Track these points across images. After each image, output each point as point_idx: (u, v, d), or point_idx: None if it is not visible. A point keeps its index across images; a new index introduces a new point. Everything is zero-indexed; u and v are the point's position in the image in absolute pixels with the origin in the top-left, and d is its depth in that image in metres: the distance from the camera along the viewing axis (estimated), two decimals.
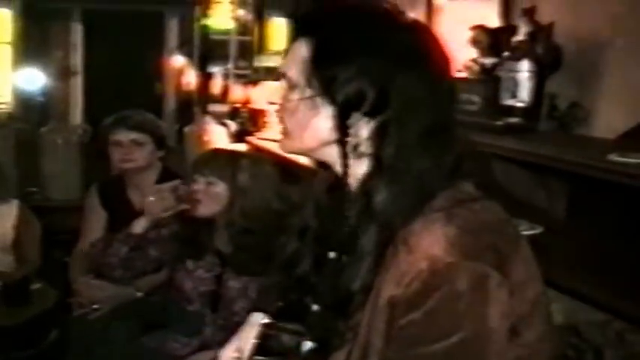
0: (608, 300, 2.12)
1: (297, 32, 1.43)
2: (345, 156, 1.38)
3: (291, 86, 1.40)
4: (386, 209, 1.32)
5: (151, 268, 3.12)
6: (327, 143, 1.40)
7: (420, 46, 1.36)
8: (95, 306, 3.40)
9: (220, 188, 2.85)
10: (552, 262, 2.25)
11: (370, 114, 1.34)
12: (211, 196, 2.85)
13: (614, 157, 2.01)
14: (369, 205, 1.34)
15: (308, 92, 1.37)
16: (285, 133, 1.45)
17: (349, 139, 1.36)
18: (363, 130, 1.35)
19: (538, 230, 2.60)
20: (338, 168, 1.42)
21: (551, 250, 2.43)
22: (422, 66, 1.34)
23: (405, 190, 1.31)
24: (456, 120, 1.43)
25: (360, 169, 1.38)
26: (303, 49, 1.38)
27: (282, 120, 1.45)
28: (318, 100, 1.37)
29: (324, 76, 1.35)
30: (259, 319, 1.64)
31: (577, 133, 2.61)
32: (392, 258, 1.29)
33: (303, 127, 1.40)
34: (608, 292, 2.11)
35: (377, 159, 1.35)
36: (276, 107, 1.47)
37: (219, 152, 3.11)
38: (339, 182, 1.44)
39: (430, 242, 1.25)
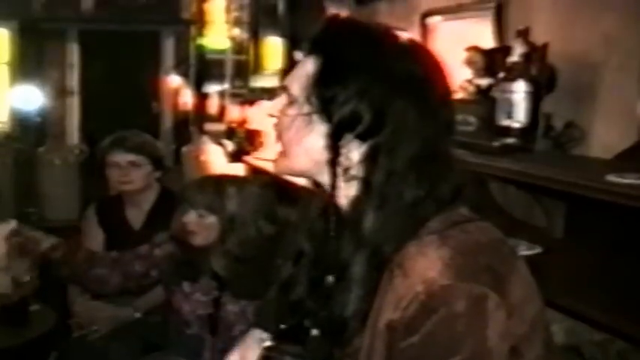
0: (608, 320, 2.12)
1: (307, 49, 1.44)
2: (334, 177, 1.38)
3: (291, 101, 1.41)
4: (375, 235, 1.32)
5: (136, 284, 3.12)
6: (318, 162, 1.40)
7: (420, 73, 1.37)
8: (94, 327, 3.41)
9: (212, 219, 2.84)
10: (551, 282, 2.27)
11: (362, 137, 1.34)
12: (205, 227, 2.84)
13: (612, 178, 2.01)
14: (359, 230, 1.34)
15: (306, 108, 1.39)
16: (280, 150, 1.46)
17: (341, 160, 1.36)
18: (354, 153, 1.36)
19: (537, 250, 2.59)
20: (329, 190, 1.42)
21: (550, 270, 2.43)
22: (420, 93, 1.35)
23: (395, 217, 1.31)
24: (453, 148, 1.43)
25: (350, 192, 1.38)
26: (309, 66, 1.40)
27: (277, 134, 1.46)
28: (315, 117, 1.38)
29: (324, 95, 1.36)
30: (258, 335, 1.68)
31: (573, 153, 2.61)
32: (388, 282, 1.29)
33: (296, 143, 1.41)
34: (608, 312, 2.11)
35: (366, 183, 1.35)
36: (273, 120, 1.47)
37: (205, 182, 3.06)
38: (332, 205, 1.44)
39: (425, 265, 1.25)
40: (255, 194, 2.92)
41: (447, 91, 1.42)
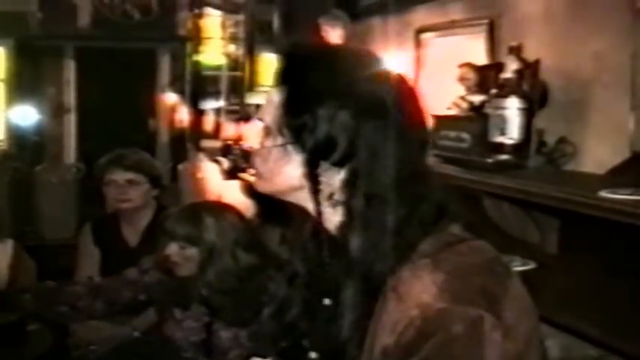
0: (602, 336, 2.12)
1: (274, 80, 1.45)
2: (317, 203, 1.39)
3: (266, 133, 1.41)
4: (363, 259, 1.31)
5: (123, 309, 3.13)
6: (300, 190, 1.40)
7: (389, 97, 1.36)
8: (93, 347, 3.41)
9: (193, 251, 2.84)
10: (545, 298, 2.27)
11: (339, 163, 1.34)
12: (186, 258, 2.85)
13: (604, 194, 2.01)
14: (347, 255, 1.33)
15: (279, 139, 1.38)
16: (259, 176, 1.46)
17: (322, 187, 1.37)
18: (335, 179, 1.36)
19: (531, 266, 2.61)
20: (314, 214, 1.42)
21: (543, 285, 2.44)
22: (390, 115, 1.34)
23: (380, 240, 1.30)
24: (430, 168, 1.44)
25: (337, 217, 1.38)
26: (276, 97, 1.40)
27: (255, 164, 1.46)
28: (290, 147, 1.37)
29: (294, 124, 1.36)
30: None
31: (566, 169, 2.62)
32: (383, 306, 1.28)
33: (275, 173, 1.41)
34: (602, 328, 2.11)
35: (348, 209, 1.35)
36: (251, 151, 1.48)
37: (183, 212, 3.03)
38: (320, 230, 1.44)
39: (420, 290, 1.24)
40: (234, 224, 2.91)
41: (418, 111, 1.42)
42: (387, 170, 1.32)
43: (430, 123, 2.84)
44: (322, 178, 1.36)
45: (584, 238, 2.58)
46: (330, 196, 1.37)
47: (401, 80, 1.43)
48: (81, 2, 8.09)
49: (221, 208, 3.06)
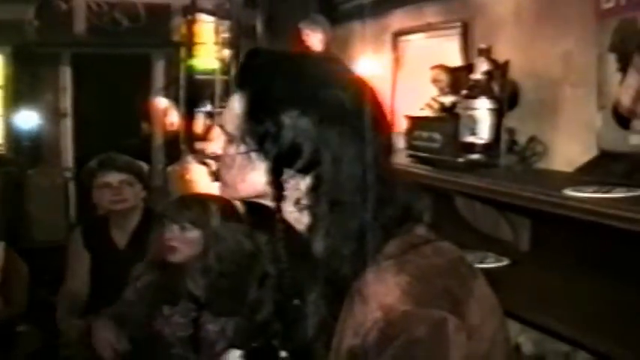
0: (571, 332, 2.15)
1: (236, 86, 1.43)
2: (279, 210, 1.37)
3: (229, 140, 1.39)
4: (327, 262, 1.31)
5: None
6: (264, 195, 1.39)
7: (350, 104, 1.34)
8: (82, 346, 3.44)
9: (194, 234, 2.88)
10: (518, 295, 2.32)
11: (304, 170, 1.33)
12: (186, 242, 2.87)
13: (569, 192, 2.04)
14: (312, 258, 1.33)
15: (243, 147, 1.36)
16: (224, 183, 1.44)
17: (288, 193, 1.35)
18: (301, 184, 1.34)
19: (504, 263, 2.65)
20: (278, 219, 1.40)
21: (516, 282, 2.48)
22: (353, 120, 1.33)
23: (344, 244, 1.30)
24: (396, 170, 1.43)
25: (305, 220, 1.37)
26: (236, 104, 1.38)
27: (220, 171, 1.44)
28: (253, 155, 1.35)
29: (256, 132, 1.34)
30: (236, 356, 1.66)
31: (537, 168, 2.66)
32: (349, 308, 1.28)
33: (239, 181, 1.39)
34: (571, 324, 2.14)
35: (313, 213, 1.34)
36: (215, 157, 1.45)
37: (189, 199, 3.10)
38: (283, 235, 1.42)
39: (384, 292, 1.24)
40: (236, 212, 2.96)
41: (381, 115, 1.40)
42: (352, 176, 1.31)
43: (404, 124, 2.91)
44: (287, 185, 1.35)
45: (555, 236, 2.63)
46: (297, 201, 1.36)
47: (364, 85, 1.42)
48: (77, 10, 8.13)
49: (221, 198, 3.11)
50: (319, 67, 1.44)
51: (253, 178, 1.38)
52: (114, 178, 3.68)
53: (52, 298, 3.80)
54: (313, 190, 1.33)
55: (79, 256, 3.77)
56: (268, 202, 1.40)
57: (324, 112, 1.32)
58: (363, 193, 1.31)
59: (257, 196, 1.41)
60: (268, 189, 1.37)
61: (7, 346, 3.66)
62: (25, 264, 4.13)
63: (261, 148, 1.34)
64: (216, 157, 1.44)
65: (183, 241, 2.88)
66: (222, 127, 1.42)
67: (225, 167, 1.42)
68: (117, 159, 3.78)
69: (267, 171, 1.35)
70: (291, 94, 1.34)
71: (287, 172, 1.34)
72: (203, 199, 3.03)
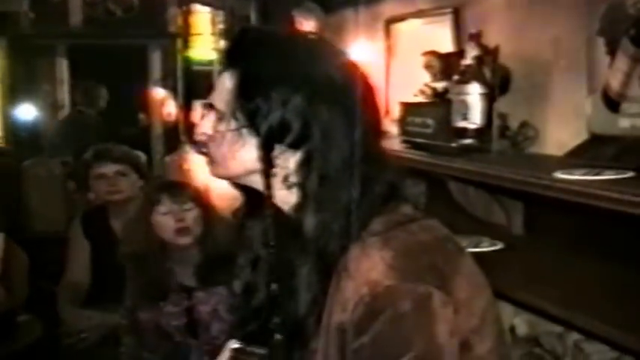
0: (565, 314, 2.17)
1: (224, 64, 1.46)
2: (268, 187, 1.39)
3: (219, 118, 1.41)
4: (317, 238, 1.33)
5: None
6: (253, 172, 1.41)
7: (339, 77, 1.38)
8: (83, 335, 3.48)
9: (196, 213, 2.93)
10: (512, 278, 2.35)
11: (294, 145, 1.36)
12: (193, 221, 2.93)
13: (560, 175, 2.06)
14: (302, 236, 1.35)
15: (233, 124, 1.38)
16: (212, 161, 1.45)
17: (277, 170, 1.37)
18: (290, 161, 1.37)
19: (498, 246, 2.68)
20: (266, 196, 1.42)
21: (510, 265, 2.50)
22: (342, 97, 1.36)
23: (334, 220, 1.32)
24: (383, 150, 1.45)
25: (292, 199, 1.39)
26: (227, 81, 1.40)
27: (208, 149, 1.45)
28: (244, 131, 1.37)
29: (247, 108, 1.36)
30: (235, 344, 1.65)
31: (529, 152, 2.68)
32: (336, 284, 1.31)
33: (229, 158, 1.41)
34: (565, 306, 2.16)
35: (303, 189, 1.36)
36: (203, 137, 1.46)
37: (175, 182, 3.15)
38: (271, 212, 1.44)
39: (369, 267, 1.26)
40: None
41: (370, 94, 1.43)
42: (340, 152, 1.33)
43: (397, 110, 2.93)
44: (277, 161, 1.37)
45: (548, 219, 2.66)
46: (285, 179, 1.38)
47: (353, 65, 1.46)
48: (72, 1, 8.13)
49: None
50: (309, 45, 1.48)
51: (243, 156, 1.39)
52: (109, 169, 3.73)
53: (53, 288, 3.84)
54: (304, 165, 1.36)
55: (79, 246, 3.81)
56: (256, 184, 1.42)
57: (315, 88, 1.36)
58: (351, 169, 1.34)
59: (246, 174, 1.42)
60: (258, 166, 1.39)
61: (8, 336, 3.66)
62: (25, 254, 4.15)
63: (252, 124, 1.37)
64: (206, 138, 1.44)
65: (191, 220, 2.92)
66: (211, 105, 1.43)
67: (215, 145, 1.43)
68: (113, 150, 3.82)
69: (257, 147, 1.37)
70: (282, 72, 1.37)
71: (278, 148, 1.37)
72: (181, 181, 3.10)
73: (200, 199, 2.95)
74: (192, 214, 2.93)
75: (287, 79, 1.36)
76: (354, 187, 1.34)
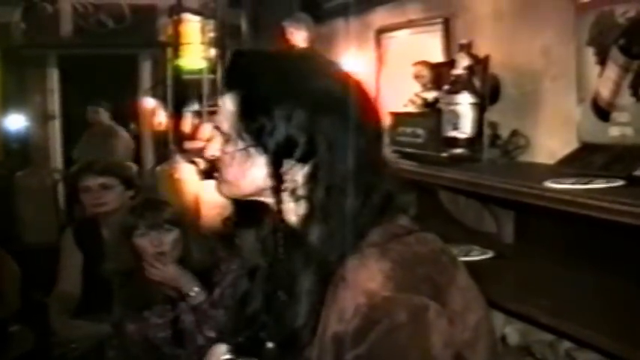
0: (556, 322, 2.17)
1: (223, 87, 1.48)
2: (279, 201, 1.41)
3: (226, 139, 1.42)
4: (321, 248, 1.34)
5: None
6: (264, 189, 1.43)
7: (339, 92, 1.40)
8: (74, 345, 3.47)
9: (175, 235, 2.92)
10: (503, 287, 2.35)
11: (302, 159, 1.37)
12: (171, 244, 2.92)
13: (549, 184, 2.07)
14: (307, 246, 1.36)
15: (240, 144, 1.40)
16: (223, 181, 1.47)
17: (286, 184, 1.39)
18: (298, 175, 1.39)
19: (489, 255, 2.68)
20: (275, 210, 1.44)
21: (500, 274, 2.50)
22: (343, 108, 1.37)
23: (336, 230, 1.34)
24: (383, 159, 1.47)
25: (299, 211, 1.40)
26: (229, 104, 1.42)
27: (220, 170, 1.46)
28: (252, 150, 1.39)
29: (252, 128, 1.38)
30: (222, 350, 1.65)
31: (519, 161, 2.68)
32: (333, 294, 1.31)
33: (240, 177, 1.43)
34: (556, 314, 2.16)
35: (310, 201, 1.38)
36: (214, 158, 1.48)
37: (149, 203, 3.12)
38: (281, 226, 1.47)
39: (366, 278, 1.27)
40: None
41: (369, 103, 1.46)
42: (346, 161, 1.35)
43: (388, 120, 2.94)
44: (286, 176, 1.39)
45: (539, 228, 2.67)
46: (293, 192, 1.39)
47: (348, 76, 1.48)
48: (63, 12, 8.13)
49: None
50: (303, 59, 1.51)
51: (254, 174, 1.41)
52: (93, 182, 3.74)
53: (44, 299, 3.84)
54: (311, 177, 1.38)
55: (72, 256, 3.80)
56: (265, 198, 1.44)
57: (315, 101, 1.38)
58: (355, 179, 1.36)
59: (257, 192, 1.44)
60: (268, 183, 1.40)
61: (0, 347, 3.66)
62: (17, 265, 4.15)
63: (258, 143, 1.39)
64: (215, 159, 1.46)
65: (168, 245, 2.91)
66: (217, 127, 1.46)
67: (225, 166, 1.44)
68: (96, 163, 3.84)
69: (267, 164, 1.39)
70: (281, 89, 1.39)
71: (286, 163, 1.38)
72: (160, 200, 3.08)
73: (179, 220, 2.94)
74: (170, 237, 2.91)
75: (287, 95, 1.38)
76: (357, 197, 1.36)
